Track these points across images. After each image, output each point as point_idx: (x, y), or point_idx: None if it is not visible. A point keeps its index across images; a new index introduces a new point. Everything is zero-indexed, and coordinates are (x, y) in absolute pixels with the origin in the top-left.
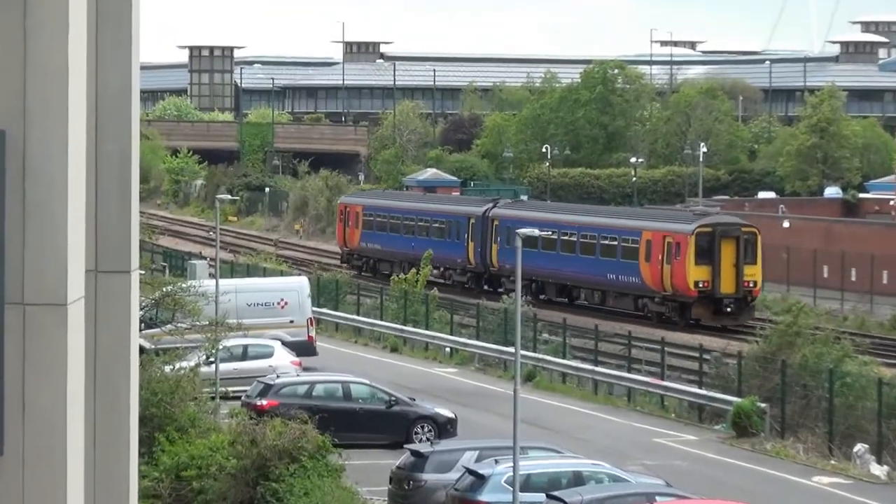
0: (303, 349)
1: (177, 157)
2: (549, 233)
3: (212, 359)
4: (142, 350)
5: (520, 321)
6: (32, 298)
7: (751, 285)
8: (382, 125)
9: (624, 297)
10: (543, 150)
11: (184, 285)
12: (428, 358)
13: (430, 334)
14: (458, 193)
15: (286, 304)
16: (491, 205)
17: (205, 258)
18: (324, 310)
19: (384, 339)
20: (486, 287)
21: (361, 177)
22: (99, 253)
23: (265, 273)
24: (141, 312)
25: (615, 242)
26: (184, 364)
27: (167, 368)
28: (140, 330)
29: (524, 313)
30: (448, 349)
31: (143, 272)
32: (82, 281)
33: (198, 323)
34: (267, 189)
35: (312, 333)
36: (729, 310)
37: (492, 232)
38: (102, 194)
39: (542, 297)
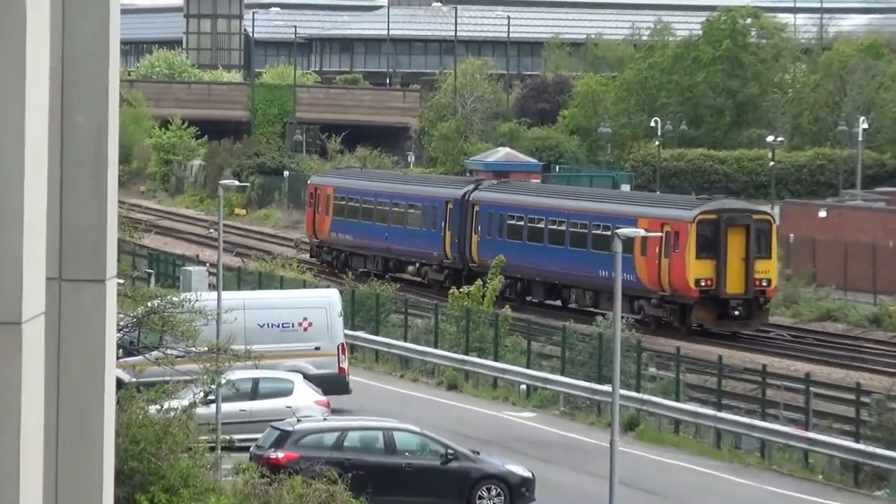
0: (332, 385)
1: (168, 129)
2: (535, 221)
3: (212, 397)
4: (119, 384)
5: (619, 350)
6: None
7: (763, 284)
8: (439, 89)
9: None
10: (652, 124)
11: (175, 299)
12: (497, 398)
13: (499, 367)
14: (537, 180)
15: (310, 324)
16: (472, 186)
17: (203, 264)
18: (360, 333)
19: (440, 372)
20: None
21: (411, 157)
22: (64, 257)
23: (283, 284)
24: (119, 334)
25: (608, 232)
26: (175, 403)
27: (153, 409)
28: (117, 357)
29: (624, 339)
30: (524, 387)
31: (121, 281)
32: (42, 293)
33: (193, 349)
34: (286, 173)
35: (344, 364)
36: (737, 313)
37: (472, 219)
38: (70, 180)
39: (528, 298)
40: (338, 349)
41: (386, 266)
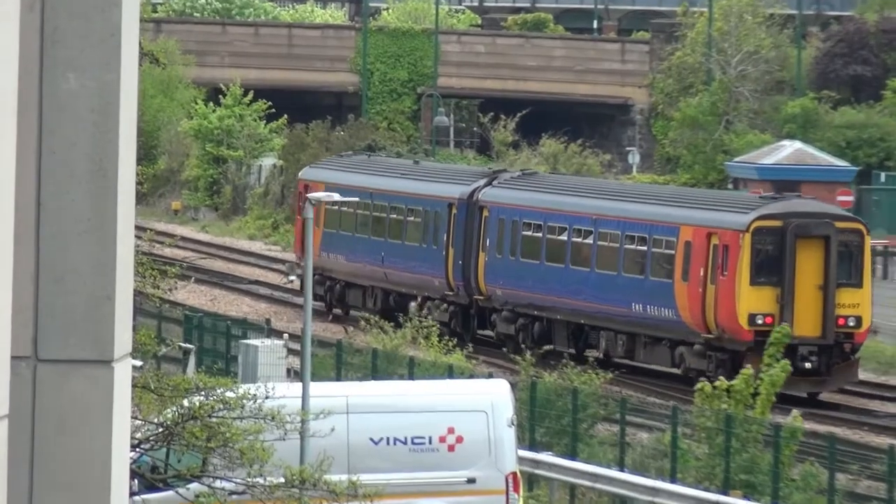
0: None
1: (220, 104)
2: (556, 231)
3: None
4: None
5: None
6: None
7: (850, 324)
8: (683, 43)
9: (657, 344)
10: None
11: (230, 394)
12: None
13: None
14: (848, 197)
15: (460, 440)
16: (484, 181)
17: (278, 335)
18: (544, 455)
19: None
20: (478, 331)
21: (633, 157)
22: (42, 324)
23: (413, 369)
24: (134, 453)
25: (644, 247)
26: None
27: None
28: (132, 491)
29: None
30: None
31: (139, 364)
32: (5, 387)
33: (262, 481)
34: None
35: None
36: (808, 365)
37: (480, 230)
38: (52, 192)
39: (547, 347)
40: (507, 482)
41: (386, 303)
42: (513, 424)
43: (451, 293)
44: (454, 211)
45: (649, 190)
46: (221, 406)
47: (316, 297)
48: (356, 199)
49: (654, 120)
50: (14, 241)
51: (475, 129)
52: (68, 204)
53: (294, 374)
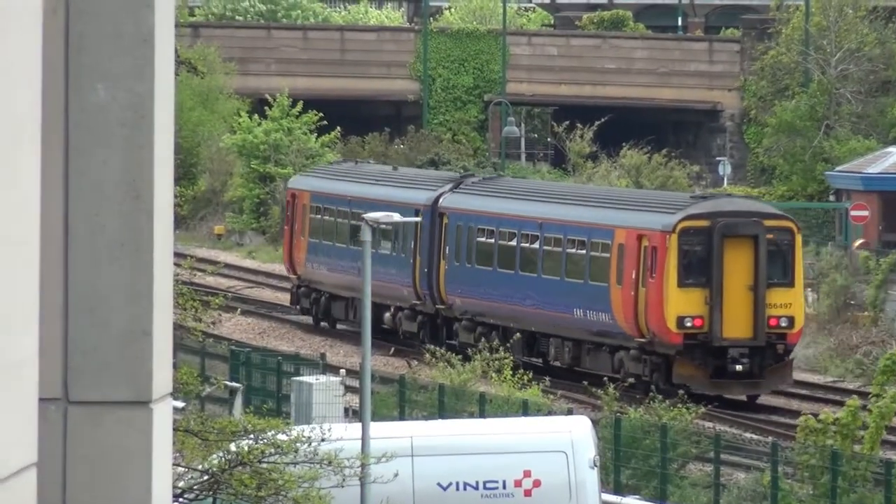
0: None
1: (266, 117)
2: (507, 237)
3: None
4: None
5: None
6: None
7: (782, 325)
8: (777, 41)
9: (599, 350)
10: None
11: (282, 437)
12: None
13: None
14: None
15: (537, 483)
16: (449, 187)
17: (335, 371)
18: (631, 499)
19: None
20: (446, 341)
21: (724, 167)
22: (73, 363)
23: (483, 407)
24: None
25: (584, 251)
26: None
27: None
28: None
29: None
30: None
31: (180, 405)
32: (31, 429)
33: None
34: None
35: None
36: (739, 368)
37: (440, 237)
38: (81, 218)
39: (504, 356)
40: None
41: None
42: (595, 465)
43: (418, 302)
44: (420, 218)
45: (589, 192)
46: (273, 450)
47: (303, 311)
48: (418, 219)
49: (746, 126)
50: (40, 271)
51: (549, 139)
52: (99, 229)
53: (352, 414)
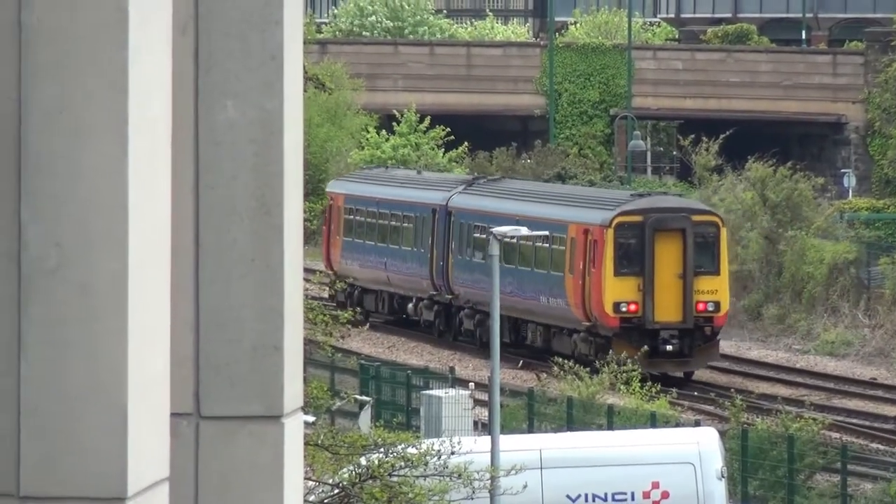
0: None
1: (393, 133)
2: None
3: None
4: None
5: None
6: (50, 490)
7: (709, 309)
8: None
9: (561, 333)
10: None
11: (413, 450)
12: None
13: None
14: None
15: (665, 494)
16: (461, 188)
17: (463, 383)
18: None
19: None
20: (456, 329)
21: (849, 179)
22: (204, 378)
23: (611, 419)
24: None
25: (547, 244)
26: None
27: None
28: None
29: None
30: None
31: (311, 419)
32: (164, 444)
33: None
34: None
35: None
36: (669, 348)
37: (449, 233)
38: (211, 236)
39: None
40: None
41: (392, 306)
42: (723, 477)
43: (435, 293)
44: (436, 216)
45: (556, 191)
46: (403, 464)
47: (339, 305)
48: (546, 232)
49: (870, 139)
50: (171, 287)
51: (675, 153)
52: (229, 244)
53: (482, 427)
